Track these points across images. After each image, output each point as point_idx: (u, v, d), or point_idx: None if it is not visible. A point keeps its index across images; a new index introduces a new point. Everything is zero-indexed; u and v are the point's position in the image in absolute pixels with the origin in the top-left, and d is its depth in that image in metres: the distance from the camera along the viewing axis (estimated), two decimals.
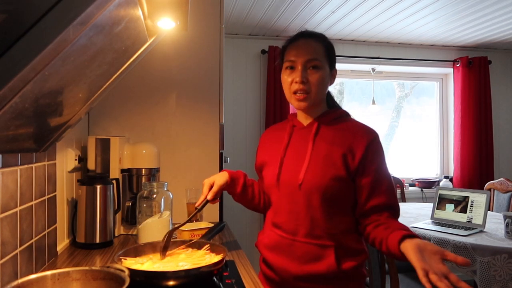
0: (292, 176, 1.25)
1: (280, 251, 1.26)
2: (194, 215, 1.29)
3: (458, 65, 3.99)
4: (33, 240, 1.19)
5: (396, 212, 1.22)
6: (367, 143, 1.21)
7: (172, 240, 1.27)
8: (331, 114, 1.29)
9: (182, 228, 1.60)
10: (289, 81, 1.24)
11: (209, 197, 1.28)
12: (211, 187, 1.30)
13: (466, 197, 2.49)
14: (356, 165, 1.20)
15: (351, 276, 1.23)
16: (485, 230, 2.34)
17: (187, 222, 1.31)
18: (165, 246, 1.22)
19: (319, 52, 1.24)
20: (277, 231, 1.28)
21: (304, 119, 1.33)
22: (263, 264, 1.35)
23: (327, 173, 1.20)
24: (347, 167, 1.20)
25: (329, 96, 1.36)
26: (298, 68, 1.23)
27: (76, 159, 1.60)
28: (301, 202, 1.22)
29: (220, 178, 1.32)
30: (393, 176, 3.56)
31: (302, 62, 1.22)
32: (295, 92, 1.24)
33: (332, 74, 1.29)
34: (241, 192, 1.36)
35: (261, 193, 1.41)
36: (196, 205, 1.29)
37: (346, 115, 1.32)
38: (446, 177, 4.03)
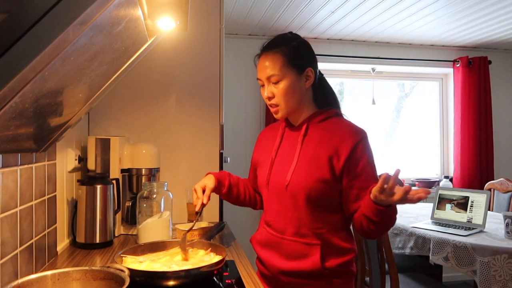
0: (280, 177, 1.28)
1: (270, 247, 1.31)
2: (197, 219, 1.33)
3: (458, 65, 3.99)
4: (33, 240, 1.19)
5: None
6: (353, 144, 1.21)
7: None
8: (321, 115, 1.30)
9: (181, 228, 1.61)
10: (263, 97, 1.31)
11: (205, 201, 1.31)
12: (203, 191, 1.33)
13: (466, 197, 2.49)
14: (341, 166, 1.21)
15: (336, 273, 1.25)
16: (485, 230, 2.34)
17: (194, 224, 1.33)
18: (184, 247, 1.23)
19: (277, 65, 1.24)
20: (268, 229, 1.32)
21: (294, 120, 1.34)
22: (257, 259, 1.40)
23: (313, 175, 1.22)
24: (333, 169, 1.22)
25: (320, 96, 1.34)
26: (265, 85, 1.29)
27: (76, 159, 1.60)
28: (288, 202, 1.26)
29: (210, 181, 1.36)
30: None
31: (264, 79, 1.28)
32: (270, 106, 1.30)
33: (305, 75, 1.27)
34: (227, 192, 1.42)
35: (247, 190, 1.47)
36: (197, 209, 1.31)
37: (336, 114, 1.32)
38: (446, 177, 4.03)
